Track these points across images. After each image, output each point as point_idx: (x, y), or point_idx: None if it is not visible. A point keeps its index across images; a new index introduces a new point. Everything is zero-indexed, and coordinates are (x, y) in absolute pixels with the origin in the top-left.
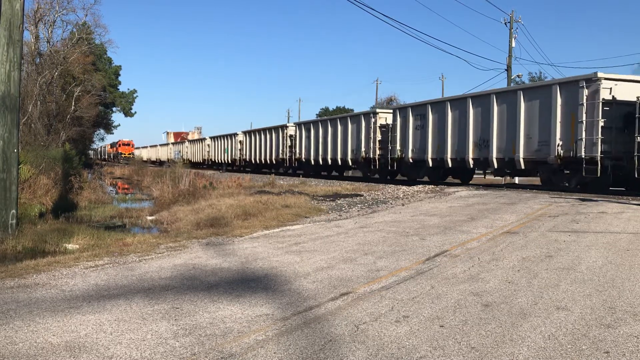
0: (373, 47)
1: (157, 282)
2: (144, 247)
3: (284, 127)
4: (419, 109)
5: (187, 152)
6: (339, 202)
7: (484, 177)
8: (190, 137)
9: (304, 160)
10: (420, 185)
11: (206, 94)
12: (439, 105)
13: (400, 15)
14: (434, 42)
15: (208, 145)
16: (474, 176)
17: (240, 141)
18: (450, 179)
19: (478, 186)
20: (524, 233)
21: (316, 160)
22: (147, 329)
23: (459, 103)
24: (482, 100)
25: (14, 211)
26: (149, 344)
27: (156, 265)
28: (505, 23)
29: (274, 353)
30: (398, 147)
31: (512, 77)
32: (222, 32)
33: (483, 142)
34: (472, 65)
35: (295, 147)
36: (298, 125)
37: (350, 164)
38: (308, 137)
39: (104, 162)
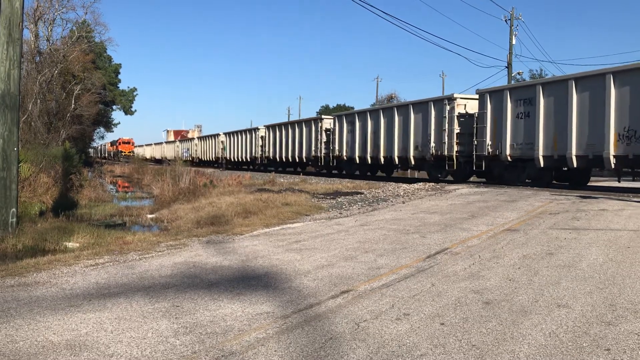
0: (374, 45)
1: (158, 281)
2: (144, 246)
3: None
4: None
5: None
6: (339, 200)
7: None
8: (190, 135)
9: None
10: (421, 183)
11: (206, 92)
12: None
13: (401, 13)
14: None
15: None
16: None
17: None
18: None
19: (479, 184)
20: (524, 230)
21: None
22: (148, 327)
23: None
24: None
25: (14, 209)
26: (150, 342)
27: (156, 263)
28: (505, 20)
29: (275, 351)
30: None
31: (512, 75)
32: (222, 30)
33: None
34: (472, 63)
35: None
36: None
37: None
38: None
39: (104, 161)
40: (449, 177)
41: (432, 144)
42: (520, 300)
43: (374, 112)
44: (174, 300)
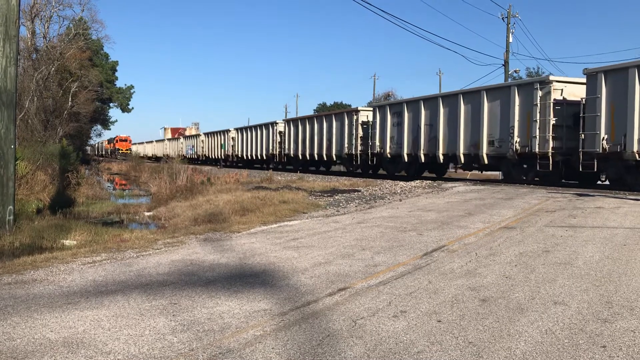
0: (371, 43)
1: (155, 278)
2: (141, 243)
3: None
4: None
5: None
6: (336, 197)
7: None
8: (187, 133)
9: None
10: (418, 181)
11: (203, 89)
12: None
13: (398, 11)
14: (431, 37)
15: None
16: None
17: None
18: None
19: (475, 181)
20: (521, 228)
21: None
22: (145, 324)
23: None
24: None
25: (11, 207)
26: (147, 339)
27: (154, 261)
28: (502, 18)
29: (272, 348)
30: None
31: (509, 72)
32: (219, 28)
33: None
34: (469, 61)
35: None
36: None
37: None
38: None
39: (102, 158)
40: (537, 180)
41: (516, 139)
42: (516, 298)
43: (429, 100)
44: (171, 298)
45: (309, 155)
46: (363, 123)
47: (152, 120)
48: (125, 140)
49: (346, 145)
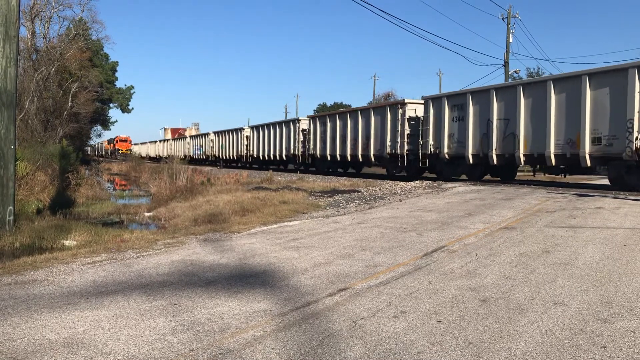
0: (371, 43)
1: (155, 279)
2: (141, 244)
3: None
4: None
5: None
6: (336, 198)
7: None
8: (187, 133)
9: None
10: (418, 181)
11: (203, 90)
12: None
13: (398, 11)
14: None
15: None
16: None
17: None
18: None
19: (476, 182)
20: (521, 228)
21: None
22: (145, 325)
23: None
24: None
25: (11, 207)
26: (147, 340)
27: (154, 261)
28: (502, 18)
29: (272, 349)
30: None
31: (509, 73)
32: (219, 28)
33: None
34: (469, 61)
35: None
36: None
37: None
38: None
39: (102, 159)
40: None
41: (637, 135)
42: (516, 298)
43: (504, 89)
44: (171, 298)
45: (340, 155)
46: (410, 118)
47: (152, 121)
48: (125, 141)
49: (389, 144)
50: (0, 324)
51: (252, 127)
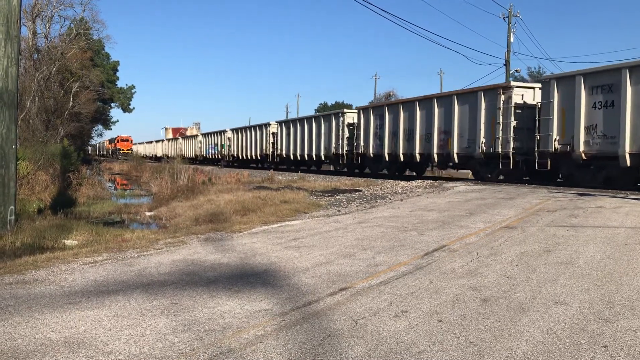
0: (372, 42)
1: (156, 278)
2: (142, 243)
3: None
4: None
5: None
6: (337, 197)
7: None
8: (188, 133)
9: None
10: (419, 181)
11: (204, 89)
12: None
13: (399, 10)
14: (432, 37)
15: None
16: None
17: (272, 133)
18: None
19: (476, 181)
20: (522, 228)
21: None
22: (146, 324)
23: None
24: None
25: (12, 207)
26: (148, 339)
27: (155, 261)
28: (503, 18)
29: (273, 348)
30: None
31: (510, 72)
32: (220, 27)
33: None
34: (470, 60)
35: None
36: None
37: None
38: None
39: (103, 158)
40: None
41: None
42: (518, 298)
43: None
44: (172, 298)
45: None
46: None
47: (152, 121)
48: (127, 140)
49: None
50: (1, 324)
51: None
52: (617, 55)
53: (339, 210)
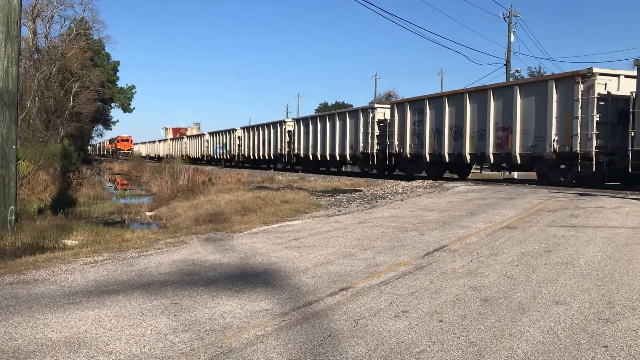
0: (372, 43)
1: (157, 278)
2: (143, 243)
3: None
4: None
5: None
6: (338, 197)
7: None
8: (189, 133)
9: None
10: (419, 181)
11: (204, 89)
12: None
13: (399, 10)
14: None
15: (289, 132)
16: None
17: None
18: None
19: (477, 181)
20: (522, 228)
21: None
22: (147, 324)
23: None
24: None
25: (12, 207)
26: (149, 339)
27: (155, 261)
28: (504, 18)
29: (274, 348)
30: None
31: (511, 72)
32: (221, 28)
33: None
34: (471, 60)
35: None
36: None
37: None
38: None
39: (103, 158)
40: None
41: None
42: (518, 298)
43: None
44: (172, 298)
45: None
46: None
47: (153, 121)
48: (127, 140)
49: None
50: (2, 324)
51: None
52: (618, 55)
53: (339, 210)
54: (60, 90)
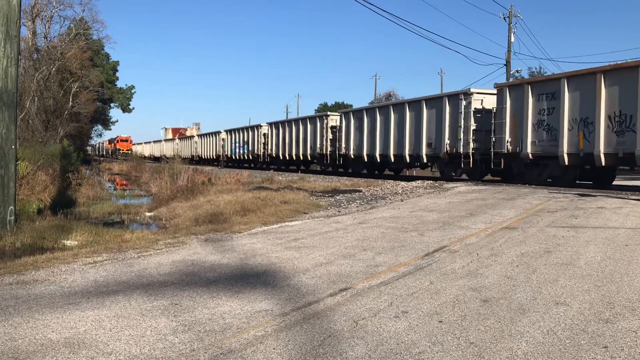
0: (372, 43)
1: (156, 278)
2: (142, 244)
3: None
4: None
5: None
6: (338, 198)
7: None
8: (188, 133)
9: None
10: (419, 181)
11: (204, 90)
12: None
13: (399, 10)
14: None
15: (331, 128)
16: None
17: (264, 134)
18: None
19: (477, 182)
20: (522, 228)
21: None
22: (147, 325)
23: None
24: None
25: (12, 207)
26: (148, 340)
27: (155, 261)
28: (504, 18)
29: (274, 349)
30: None
31: (511, 72)
32: (220, 28)
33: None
34: (471, 60)
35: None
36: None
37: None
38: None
39: (102, 158)
40: None
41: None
42: (518, 298)
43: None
44: (172, 298)
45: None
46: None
47: (152, 121)
48: (126, 141)
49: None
50: (1, 324)
51: (342, 114)
52: (618, 55)
53: (339, 211)
54: (59, 91)
